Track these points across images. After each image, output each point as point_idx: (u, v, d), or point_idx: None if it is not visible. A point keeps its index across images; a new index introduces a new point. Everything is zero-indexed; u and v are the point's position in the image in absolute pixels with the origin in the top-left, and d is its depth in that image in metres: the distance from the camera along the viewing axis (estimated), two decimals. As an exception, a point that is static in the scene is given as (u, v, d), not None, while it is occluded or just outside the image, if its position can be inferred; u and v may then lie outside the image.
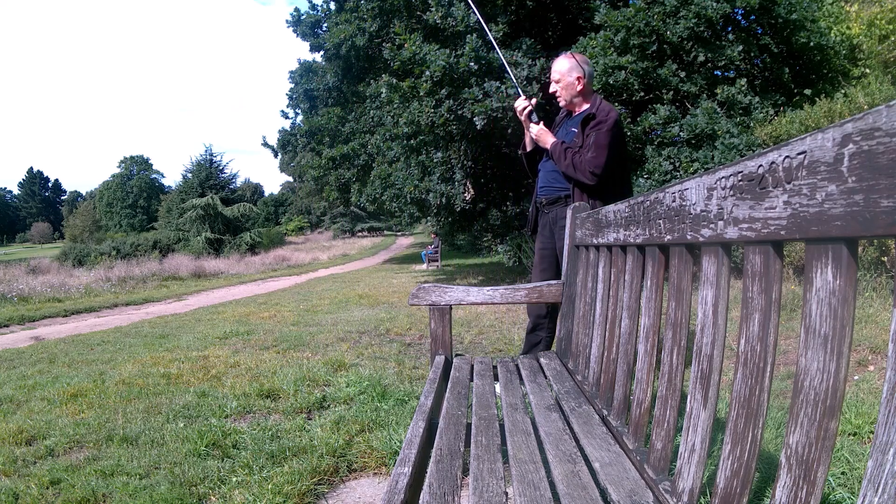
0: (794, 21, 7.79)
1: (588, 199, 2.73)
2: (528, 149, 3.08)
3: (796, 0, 7.69)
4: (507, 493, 1.07)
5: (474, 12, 4.01)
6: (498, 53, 3.29)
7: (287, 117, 13.38)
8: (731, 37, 7.60)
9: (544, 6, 8.72)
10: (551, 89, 2.91)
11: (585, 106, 2.86)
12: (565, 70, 2.82)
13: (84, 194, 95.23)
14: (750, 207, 0.84)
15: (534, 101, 2.97)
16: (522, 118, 2.96)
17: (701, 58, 7.29)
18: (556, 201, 2.93)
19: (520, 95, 2.99)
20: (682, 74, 7.29)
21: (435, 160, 8.79)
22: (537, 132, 2.91)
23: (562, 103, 2.91)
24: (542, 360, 2.27)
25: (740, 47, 7.32)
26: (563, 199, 2.89)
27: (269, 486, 2.07)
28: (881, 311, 4.18)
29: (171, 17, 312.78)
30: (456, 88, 7.32)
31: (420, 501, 1.01)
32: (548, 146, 2.87)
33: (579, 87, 2.80)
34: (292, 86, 12.50)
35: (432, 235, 19.74)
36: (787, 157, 0.74)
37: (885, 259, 4.76)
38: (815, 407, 0.70)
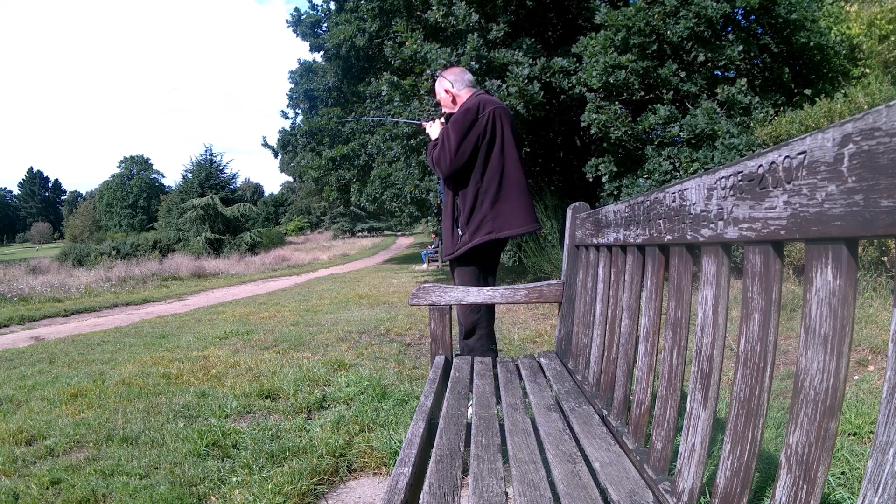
0: (794, 21, 7.79)
1: (454, 200, 2.77)
2: None
3: (796, 0, 7.69)
4: (507, 493, 1.07)
5: None
6: None
7: (287, 117, 13.36)
8: (731, 37, 7.59)
9: (544, 6, 8.71)
10: (442, 110, 3.04)
11: None
12: (439, 89, 2.96)
13: (84, 194, 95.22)
14: (750, 207, 0.84)
15: (440, 119, 3.00)
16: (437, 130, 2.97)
17: (701, 58, 7.29)
18: None
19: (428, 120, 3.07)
20: (683, 74, 7.29)
21: (435, 160, 8.78)
22: (437, 125, 2.95)
23: None
24: (542, 360, 2.27)
25: (740, 47, 7.32)
26: None
27: (269, 486, 2.07)
28: (881, 311, 4.18)
29: (169, 16, 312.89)
30: (457, 87, 7.31)
31: (420, 501, 1.01)
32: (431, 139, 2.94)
33: (450, 98, 2.90)
34: (292, 86, 12.49)
35: (432, 235, 19.74)
36: (787, 157, 0.74)
37: (885, 259, 4.76)
38: (815, 407, 0.70)
